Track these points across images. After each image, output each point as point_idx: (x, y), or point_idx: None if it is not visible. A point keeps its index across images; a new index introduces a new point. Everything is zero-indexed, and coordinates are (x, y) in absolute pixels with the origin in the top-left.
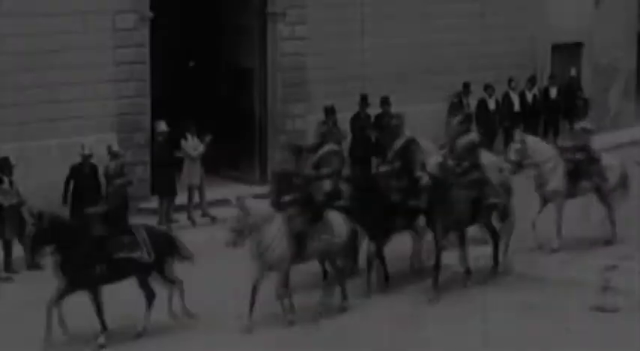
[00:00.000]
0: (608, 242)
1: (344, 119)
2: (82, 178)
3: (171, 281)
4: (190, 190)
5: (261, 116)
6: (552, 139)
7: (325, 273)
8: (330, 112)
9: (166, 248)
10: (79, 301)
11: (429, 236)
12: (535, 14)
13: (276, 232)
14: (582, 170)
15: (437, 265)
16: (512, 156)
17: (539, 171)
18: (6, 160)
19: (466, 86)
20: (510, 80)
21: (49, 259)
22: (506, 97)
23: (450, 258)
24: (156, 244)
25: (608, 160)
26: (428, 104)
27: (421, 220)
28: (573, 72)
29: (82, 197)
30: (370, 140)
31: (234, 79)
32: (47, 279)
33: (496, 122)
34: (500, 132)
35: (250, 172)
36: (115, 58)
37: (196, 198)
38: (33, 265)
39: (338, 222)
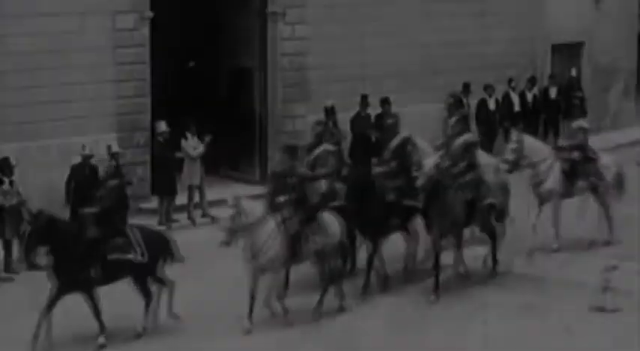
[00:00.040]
0: (607, 243)
1: (344, 119)
2: (83, 179)
3: (161, 282)
4: (190, 190)
5: (262, 116)
6: (553, 138)
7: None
8: (330, 112)
9: (159, 249)
10: (80, 301)
11: (423, 236)
12: (535, 14)
13: (269, 234)
14: (579, 170)
15: (437, 267)
16: (509, 155)
17: (536, 171)
18: (6, 160)
19: (466, 86)
20: (510, 80)
21: (45, 259)
22: (507, 97)
23: (450, 259)
24: (149, 245)
25: (604, 159)
26: (428, 104)
27: (417, 221)
28: (574, 72)
29: (83, 198)
30: (370, 140)
31: (234, 79)
32: (48, 280)
33: (496, 122)
34: (501, 132)
35: (250, 172)
36: (115, 58)
37: (196, 198)
38: (29, 265)
39: (332, 222)
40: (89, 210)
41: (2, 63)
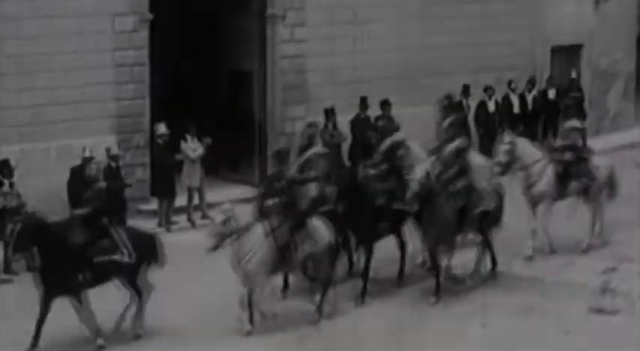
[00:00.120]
0: (598, 244)
1: (344, 121)
2: (82, 181)
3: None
4: (190, 191)
5: (261, 118)
6: (552, 140)
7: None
8: (329, 113)
9: (145, 250)
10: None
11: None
12: (535, 16)
13: (255, 241)
14: (572, 171)
15: (435, 269)
16: (501, 157)
17: (528, 173)
18: (6, 162)
19: (466, 88)
20: (510, 82)
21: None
22: (506, 98)
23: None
24: (135, 246)
25: (597, 160)
26: (428, 106)
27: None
28: (574, 74)
29: (81, 199)
30: (370, 142)
31: (234, 81)
32: (34, 283)
33: (496, 124)
34: (500, 133)
35: (250, 174)
36: (115, 60)
37: (196, 200)
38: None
39: (321, 228)
40: (80, 211)
41: (2, 65)
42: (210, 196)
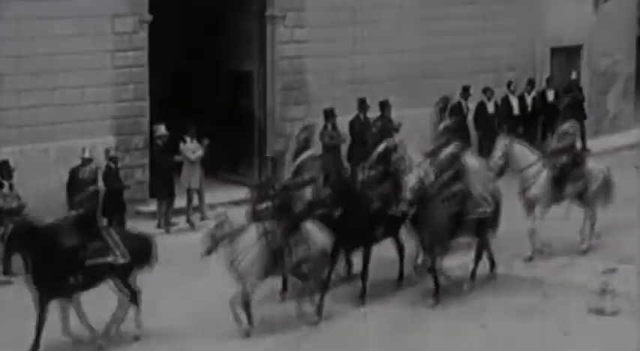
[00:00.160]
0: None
1: (344, 122)
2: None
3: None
4: (189, 193)
5: (261, 119)
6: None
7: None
8: (329, 115)
9: (139, 253)
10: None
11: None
12: (534, 17)
13: (248, 243)
14: (567, 174)
15: (433, 271)
16: (496, 161)
17: (523, 176)
18: (6, 163)
19: (465, 89)
20: (509, 83)
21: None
22: (506, 100)
23: (448, 261)
24: (129, 248)
25: (592, 164)
26: (427, 108)
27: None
28: (574, 75)
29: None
30: (369, 144)
31: (234, 82)
32: (26, 286)
33: (495, 125)
34: (499, 135)
35: (250, 175)
36: (114, 61)
37: (195, 201)
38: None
39: (315, 232)
40: (68, 215)
41: (1, 66)
42: (210, 197)
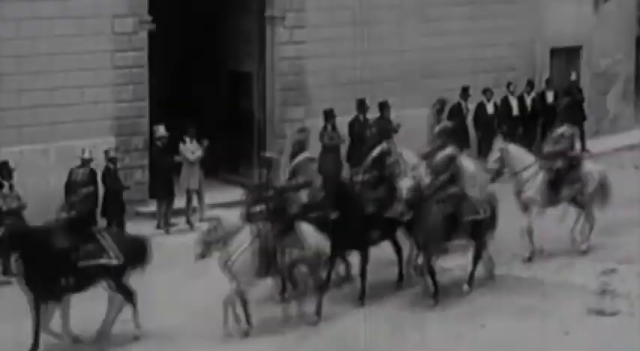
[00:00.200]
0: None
1: (343, 123)
2: (88, 181)
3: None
4: (188, 193)
5: (260, 120)
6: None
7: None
8: (329, 115)
9: (134, 255)
10: (77, 303)
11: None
12: (534, 18)
13: (241, 243)
14: (563, 178)
15: (431, 272)
16: (492, 164)
17: (518, 179)
18: (5, 164)
19: (465, 90)
20: (509, 84)
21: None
22: (505, 100)
23: (448, 262)
24: (123, 250)
25: (588, 166)
26: (427, 108)
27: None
28: (574, 76)
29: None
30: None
31: (234, 82)
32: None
33: (494, 126)
34: (499, 136)
35: (249, 176)
36: (114, 61)
37: (195, 202)
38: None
39: (310, 233)
40: (60, 217)
41: (1, 66)
42: (210, 198)
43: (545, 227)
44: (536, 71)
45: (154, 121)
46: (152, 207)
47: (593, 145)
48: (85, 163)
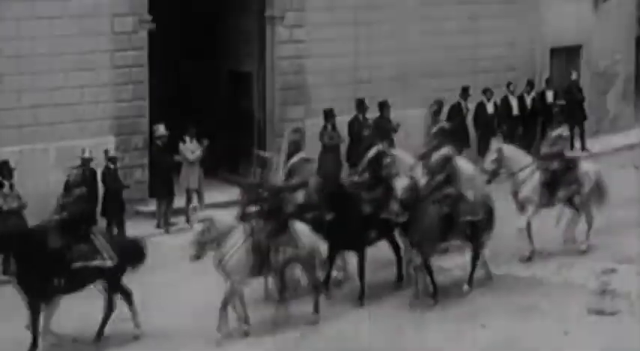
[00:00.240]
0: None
1: (343, 123)
2: (81, 182)
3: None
4: (188, 193)
5: (260, 119)
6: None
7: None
8: (329, 115)
9: (131, 256)
10: (75, 304)
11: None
12: (534, 18)
13: (235, 243)
14: (560, 179)
15: (429, 272)
16: (489, 165)
17: (514, 180)
18: (6, 163)
19: (465, 90)
20: (509, 84)
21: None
22: (505, 100)
23: (448, 262)
24: (118, 252)
25: (584, 166)
26: (427, 108)
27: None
28: (574, 75)
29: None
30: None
31: (234, 82)
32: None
33: (494, 126)
34: (499, 135)
35: (249, 175)
36: (114, 61)
37: (195, 201)
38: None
39: (304, 232)
40: (53, 218)
41: (1, 66)
42: (209, 197)
43: (545, 227)
44: (536, 71)
45: (153, 121)
46: (152, 206)
47: (593, 144)
48: (85, 162)
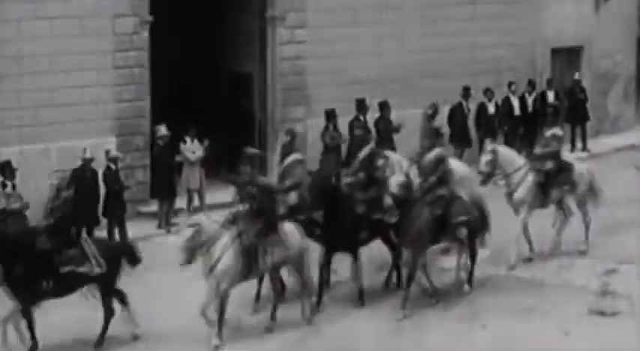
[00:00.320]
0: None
1: (343, 123)
2: (83, 183)
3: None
4: (190, 193)
5: (261, 120)
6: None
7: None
8: (330, 115)
9: (118, 263)
10: (73, 306)
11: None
12: (535, 18)
13: (224, 247)
14: (553, 180)
15: (412, 275)
16: (483, 167)
17: (509, 181)
18: (8, 163)
19: (466, 90)
20: (510, 84)
21: None
22: (506, 100)
23: (448, 262)
24: (109, 257)
25: (578, 166)
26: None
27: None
28: (577, 75)
29: (82, 202)
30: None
31: (234, 83)
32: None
33: (496, 126)
34: (500, 136)
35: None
36: (115, 61)
37: (196, 201)
38: None
39: (293, 233)
40: (41, 223)
41: (2, 67)
42: (210, 197)
43: (545, 228)
44: (536, 72)
45: (154, 122)
46: (154, 207)
47: (594, 145)
48: (87, 162)
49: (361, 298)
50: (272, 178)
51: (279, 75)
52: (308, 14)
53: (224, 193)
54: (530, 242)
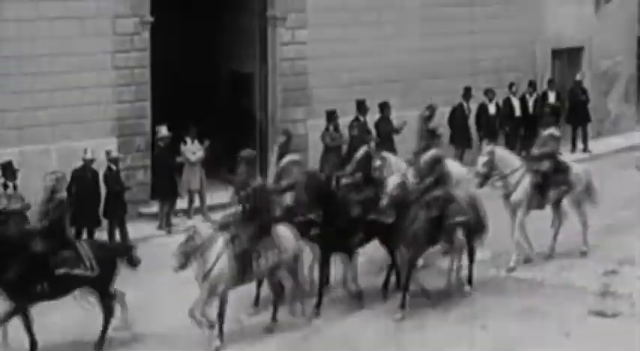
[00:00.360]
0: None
1: (345, 124)
2: (83, 184)
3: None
4: (190, 194)
5: (262, 120)
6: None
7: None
8: (331, 116)
9: (112, 265)
10: (72, 308)
11: None
12: (535, 18)
13: (217, 252)
14: (550, 181)
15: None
16: (480, 169)
17: (506, 182)
18: (10, 164)
19: (467, 90)
20: (511, 85)
21: None
22: (507, 101)
23: (448, 263)
24: (104, 260)
25: (575, 168)
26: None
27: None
28: (579, 76)
29: (83, 202)
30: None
31: (235, 84)
32: None
33: (496, 127)
34: (501, 136)
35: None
36: (116, 62)
37: (197, 202)
38: None
39: (287, 236)
40: (34, 225)
41: (2, 67)
42: (211, 198)
43: (545, 229)
44: (537, 72)
45: (155, 122)
46: (154, 208)
47: (595, 145)
48: (88, 163)
49: (361, 298)
50: (270, 178)
51: (279, 75)
52: (309, 14)
53: (224, 194)
54: (529, 243)
